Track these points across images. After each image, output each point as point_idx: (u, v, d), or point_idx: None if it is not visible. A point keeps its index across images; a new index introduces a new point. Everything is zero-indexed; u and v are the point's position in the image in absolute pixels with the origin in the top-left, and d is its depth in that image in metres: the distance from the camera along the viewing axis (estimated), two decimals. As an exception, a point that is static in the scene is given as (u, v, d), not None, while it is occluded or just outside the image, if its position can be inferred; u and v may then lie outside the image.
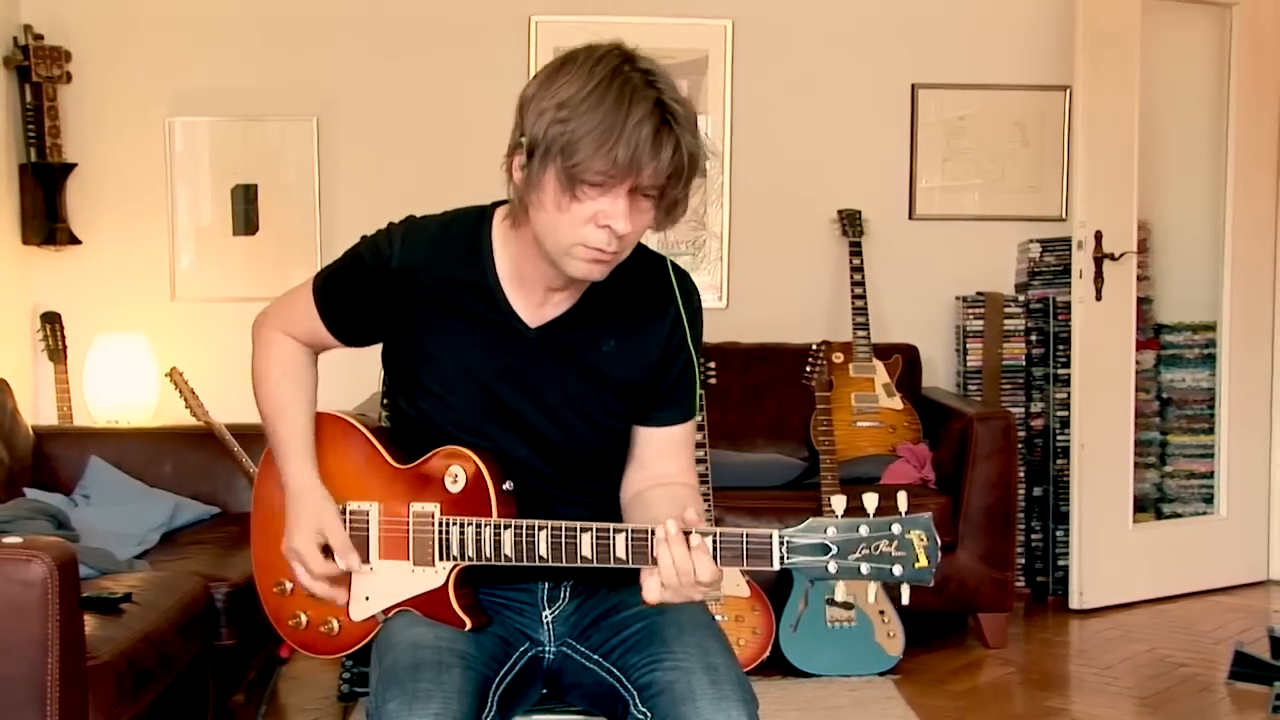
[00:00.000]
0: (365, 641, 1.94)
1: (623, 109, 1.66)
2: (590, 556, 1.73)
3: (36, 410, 4.40)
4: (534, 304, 1.89)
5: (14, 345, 4.40)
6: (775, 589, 3.78)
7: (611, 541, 1.72)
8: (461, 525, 1.82)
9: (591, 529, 1.73)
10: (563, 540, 1.75)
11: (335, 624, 1.96)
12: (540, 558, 1.76)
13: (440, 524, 1.84)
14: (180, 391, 3.90)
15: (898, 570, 1.61)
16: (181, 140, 4.59)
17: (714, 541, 1.66)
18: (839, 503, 1.65)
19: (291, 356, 2.02)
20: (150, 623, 2.74)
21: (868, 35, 4.79)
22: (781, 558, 1.63)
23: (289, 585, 1.99)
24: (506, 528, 1.78)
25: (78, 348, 4.40)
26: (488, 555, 1.80)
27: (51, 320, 4.38)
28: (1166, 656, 4.02)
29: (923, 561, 1.60)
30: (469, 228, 1.91)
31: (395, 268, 1.88)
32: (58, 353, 4.34)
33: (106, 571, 3.01)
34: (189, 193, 4.62)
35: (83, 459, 3.80)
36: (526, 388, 1.89)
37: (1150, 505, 4.88)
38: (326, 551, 1.90)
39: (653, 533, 1.68)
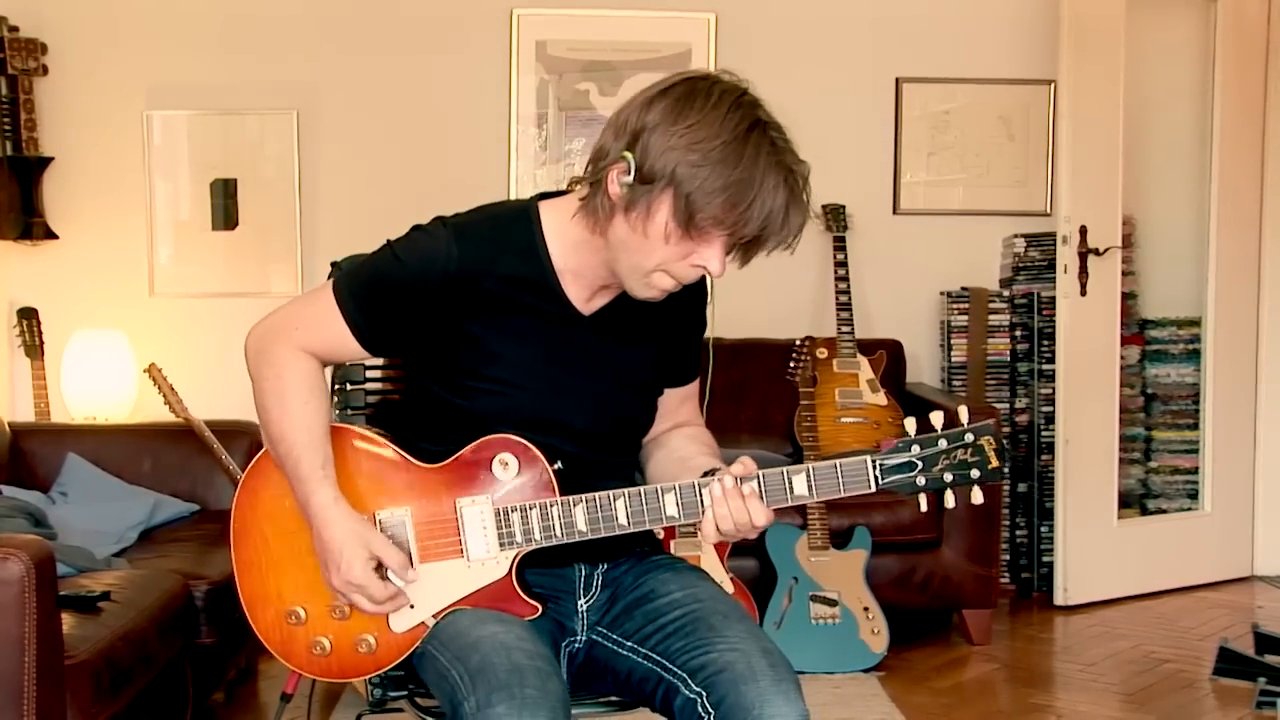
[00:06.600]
0: (409, 653, 1.88)
1: (758, 172, 1.71)
2: (676, 515, 1.83)
3: (13, 407, 4.40)
4: (585, 296, 1.94)
5: (-10, 341, 4.40)
6: (759, 585, 3.79)
7: (698, 500, 1.82)
8: (523, 510, 1.84)
9: (675, 489, 1.83)
10: (644, 505, 1.83)
11: (372, 640, 1.87)
12: (620, 525, 1.83)
13: (500, 513, 1.85)
14: (159, 388, 3.90)
15: (976, 474, 1.81)
16: (160, 134, 4.58)
17: (809, 474, 1.80)
18: (910, 424, 1.82)
19: (314, 377, 1.92)
20: (129, 621, 2.74)
21: (851, 29, 4.79)
22: (876, 479, 1.80)
23: (303, 611, 1.90)
24: (576, 504, 1.84)
25: (55, 344, 4.37)
26: (557, 534, 1.84)
27: (28, 316, 4.35)
28: (1151, 653, 4.03)
29: (995, 462, 1.81)
30: (520, 226, 1.91)
31: (455, 271, 1.86)
32: (34, 349, 4.32)
33: (84, 570, 3.00)
34: (167, 187, 4.60)
35: (60, 456, 3.79)
36: (585, 370, 1.94)
37: (1135, 501, 4.89)
38: (379, 570, 1.84)
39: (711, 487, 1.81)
